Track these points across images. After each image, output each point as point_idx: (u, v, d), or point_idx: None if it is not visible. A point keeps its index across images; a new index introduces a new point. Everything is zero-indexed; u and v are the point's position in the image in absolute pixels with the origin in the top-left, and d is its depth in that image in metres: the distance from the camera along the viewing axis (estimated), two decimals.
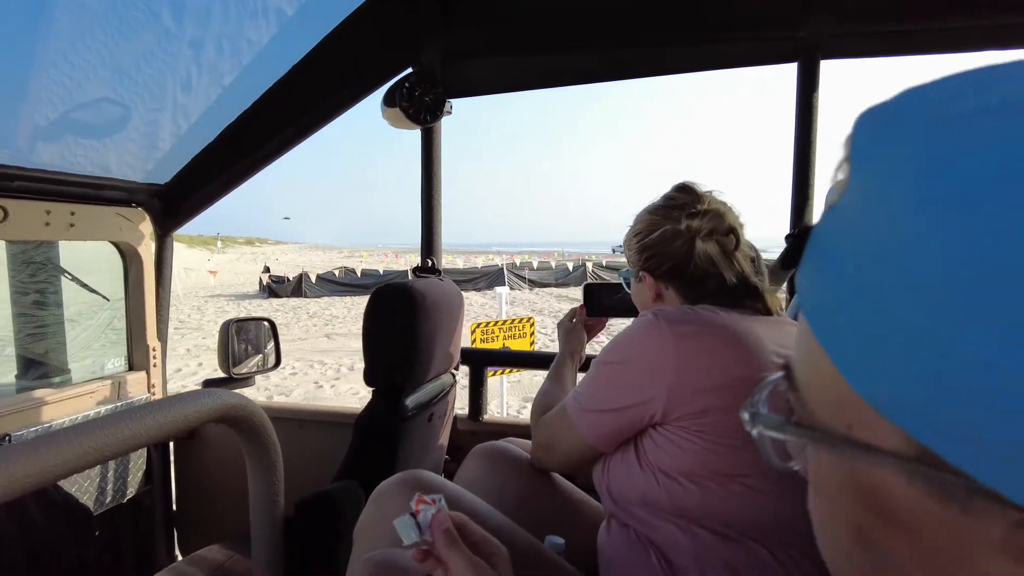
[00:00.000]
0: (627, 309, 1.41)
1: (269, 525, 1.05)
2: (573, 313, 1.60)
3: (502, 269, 22.76)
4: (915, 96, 0.30)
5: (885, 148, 0.30)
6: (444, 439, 1.87)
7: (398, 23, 1.79)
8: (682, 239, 1.09)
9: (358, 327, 13.29)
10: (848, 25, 1.58)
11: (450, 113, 1.85)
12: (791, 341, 0.91)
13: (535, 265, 24.94)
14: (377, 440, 1.46)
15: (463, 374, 2.01)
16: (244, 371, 1.86)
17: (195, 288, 23.88)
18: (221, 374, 1.81)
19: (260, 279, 22.75)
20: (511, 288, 21.05)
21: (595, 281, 1.81)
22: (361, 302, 18.18)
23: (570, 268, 24.41)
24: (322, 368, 8.52)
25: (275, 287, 20.69)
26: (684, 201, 1.11)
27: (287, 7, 1.47)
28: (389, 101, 1.76)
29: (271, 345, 1.98)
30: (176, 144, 1.71)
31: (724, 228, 1.08)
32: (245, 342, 1.89)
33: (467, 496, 1.13)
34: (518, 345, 4.89)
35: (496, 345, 4.77)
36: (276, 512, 1.05)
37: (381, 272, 22.29)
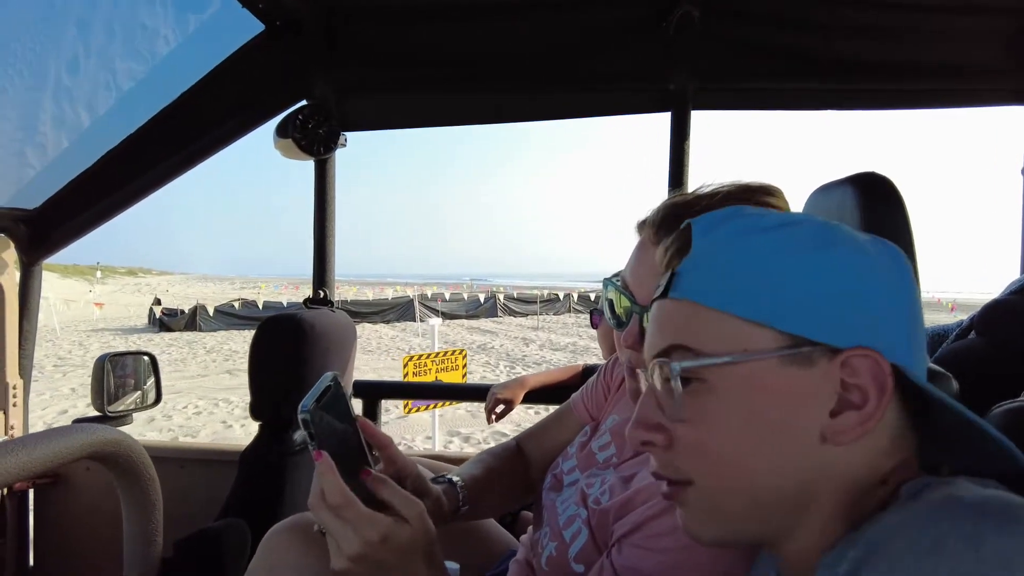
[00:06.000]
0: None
1: (145, 566, 1.01)
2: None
3: (412, 300, 22.46)
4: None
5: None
6: None
7: (290, 56, 1.80)
8: None
9: None
10: (710, 81, 1.77)
11: (344, 146, 1.87)
12: None
13: (447, 296, 24.86)
14: (264, 476, 1.43)
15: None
16: (121, 408, 1.75)
17: (75, 321, 21.89)
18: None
19: (151, 311, 21.19)
20: (421, 320, 20.86)
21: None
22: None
23: (481, 299, 24.54)
24: (228, 407, 8.10)
25: (167, 320, 19.26)
26: None
27: (173, 35, 1.45)
28: (282, 132, 1.76)
29: (151, 381, 1.88)
30: (48, 168, 1.62)
31: None
32: (122, 378, 1.79)
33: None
34: (450, 378, 4.85)
35: (429, 378, 4.71)
36: (153, 552, 1.01)
37: (284, 304, 20.98)
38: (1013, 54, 1.69)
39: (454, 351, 5.07)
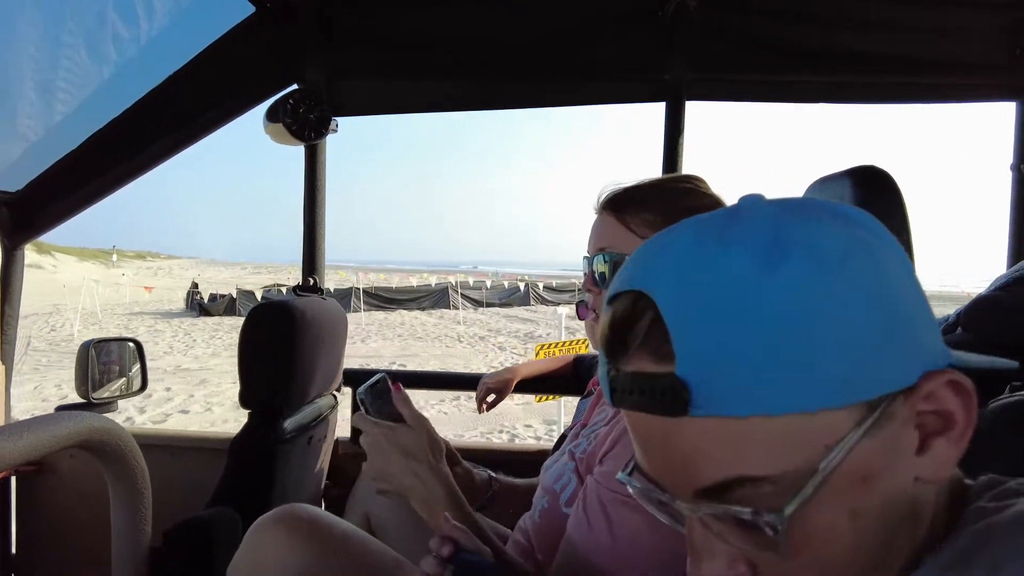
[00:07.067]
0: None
1: (133, 555, 0.99)
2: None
3: (445, 288, 22.80)
4: None
5: None
6: (325, 463, 1.83)
7: (282, 39, 1.77)
8: None
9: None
10: (706, 71, 1.76)
11: (335, 131, 1.85)
12: None
13: (471, 283, 25.22)
14: (253, 464, 1.42)
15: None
16: (106, 395, 1.73)
17: (109, 305, 21.83)
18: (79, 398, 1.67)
19: (189, 295, 21.60)
20: (455, 308, 21.14)
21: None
22: None
23: (509, 287, 24.93)
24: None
25: (207, 305, 19.42)
26: None
27: (163, 15, 1.42)
28: (272, 116, 1.73)
29: (136, 367, 1.85)
30: (31, 150, 1.58)
31: None
32: (107, 364, 1.76)
33: (357, 533, 1.10)
34: None
35: None
36: (142, 541, 1.00)
37: (332, 290, 21.37)
38: (1009, 50, 1.70)
39: (578, 340, 5.19)
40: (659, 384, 0.40)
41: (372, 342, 13.89)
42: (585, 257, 0.99)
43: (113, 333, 14.28)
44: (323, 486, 1.85)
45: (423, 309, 21.63)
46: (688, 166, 1.77)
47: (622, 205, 0.94)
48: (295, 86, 1.79)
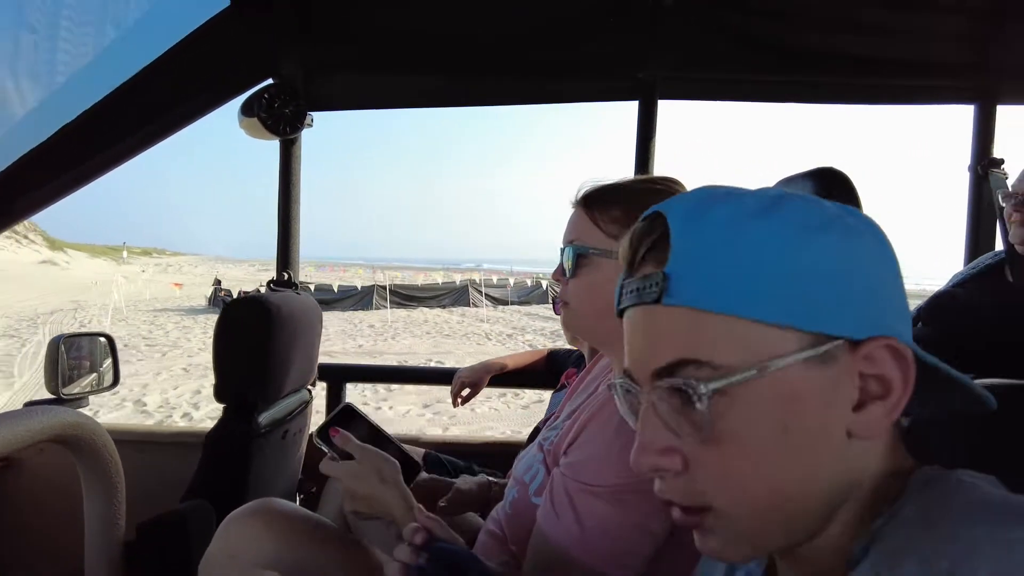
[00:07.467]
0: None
1: (107, 550, 1.00)
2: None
3: (466, 286, 22.95)
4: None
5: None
6: (299, 457, 1.83)
7: (257, 33, 1.76)
8: None
9: (353, 344, 13.11)
10: (680, 70, 1.80)
11: (310, 126, 1.85)
12: None
13: (495, 281, 25.29)
14: (228, 458, 1.42)
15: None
16: (76, 391, 1.71)
17: (130, 301, 21.53)
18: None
19: (214, 293, 21.75)
20: (474, 306, 21.33)
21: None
22: (340, 318, 18.02)
23: (531, 284, 24.91)
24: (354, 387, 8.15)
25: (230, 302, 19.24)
26: None
27: (138, 6, 1.40)
28: (247, 111, 1.72)
29: (108, 362, 1.83)
30: (1, 141, 1.56)
31: None
32: (77, 359, 1.74)
33: (332, 527, 1.12)
34: None
35: None
36: (115, 535, 1.01)
37: (359, 287, 21.96)
38: (968, 55, 1.76)
39: None
40: (649, 280, 0.48)
41: (403, 339, 13.94)
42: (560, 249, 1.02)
43: (142, 329, 14.40)
44: (298, 480, 1.86)
45: (443, 307, 21.72)
46: (657, 164, 1.80)
47: (593, 201, 0.97)
48: (271, 80, 1.78)
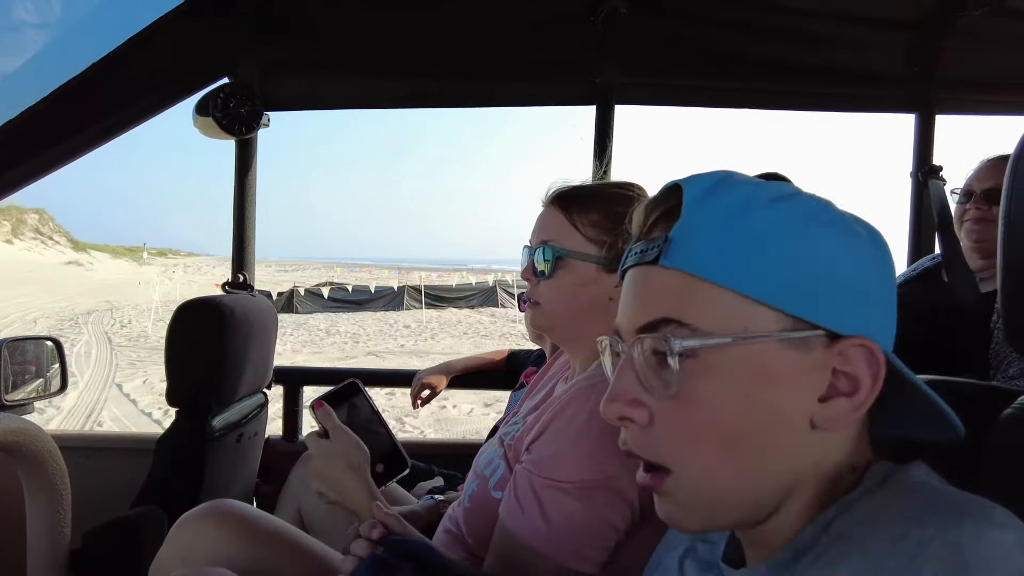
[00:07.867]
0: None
1: (51, 558, 0.97)
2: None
3: (494, 286, 22.90)
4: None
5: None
6: (255, 461, 1.81)
7: (214, 32, 1.73)
8: None
9: (394, 344, 12.83)
10: (634, 76, 1.83)
11: (267, 126, 1.83)
12: None
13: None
14: (181, 463, 1.40)
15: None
16: (20, 397, 1.65)
17: (166, 301, 20.89)
18: None
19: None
20: (503, 306, 21.13)
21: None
22: (374, 318, 17.98)
23: None
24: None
25: None
26: None
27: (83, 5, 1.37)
28: (202, 110, 1.69)
29: (55, 367, 1.78)
30: None
31: None
32: (22, 364, 1.69)
33: (286, 527, 1.11)
34: None
35: None
36: (60, 544, 0.98)
37: (395, 287, 21.91)
38: (909, 65, 1.84)
39: None
40: (653, 243, 0.51)
41: (443, 340, 13.77)
42: (526, 247, 1.01)
43: None
44: (255, 483, 1.83)
45: (471, 307, 21.59)
46: (613, 169, 1.83)
47: (570, 203, 0.97)
48: (226, 79, 1.75)
